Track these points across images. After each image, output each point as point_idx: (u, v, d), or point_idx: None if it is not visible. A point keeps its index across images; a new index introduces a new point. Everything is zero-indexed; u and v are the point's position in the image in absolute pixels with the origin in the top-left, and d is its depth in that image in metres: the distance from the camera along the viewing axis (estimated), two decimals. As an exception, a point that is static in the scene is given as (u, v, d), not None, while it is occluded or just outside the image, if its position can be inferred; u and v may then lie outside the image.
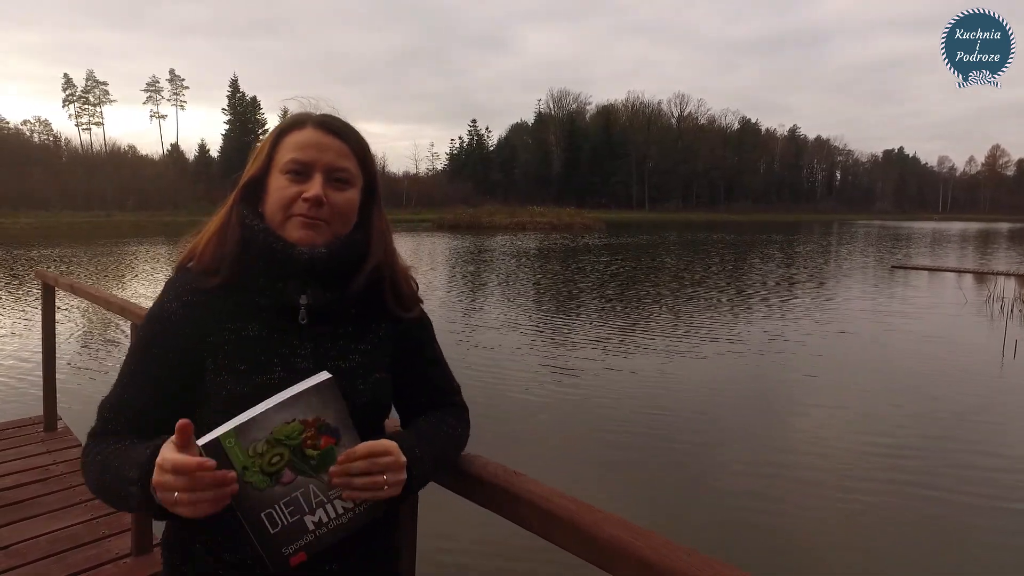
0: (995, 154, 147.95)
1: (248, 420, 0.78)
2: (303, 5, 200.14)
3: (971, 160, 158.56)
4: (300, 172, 0.92)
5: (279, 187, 0.93)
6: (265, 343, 0.92)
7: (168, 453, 0.74)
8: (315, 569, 0.92)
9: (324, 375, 0.83)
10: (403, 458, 0.87)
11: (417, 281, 1.10)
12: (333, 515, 0.84)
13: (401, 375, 1.05)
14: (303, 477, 0.82)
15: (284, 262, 0.91)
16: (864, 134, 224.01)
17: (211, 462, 0.74)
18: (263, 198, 0.95)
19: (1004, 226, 76.40)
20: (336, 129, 0.95)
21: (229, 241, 0.93)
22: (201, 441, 0.76)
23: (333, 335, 0.97)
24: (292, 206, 0.92)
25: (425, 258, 22.98)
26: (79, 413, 5.52)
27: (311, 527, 0.83)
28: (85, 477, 0.90)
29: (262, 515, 0.80)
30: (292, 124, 0.95)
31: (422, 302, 1.10)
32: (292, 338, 0.93)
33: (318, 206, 0.91)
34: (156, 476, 0.75)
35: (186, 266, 0.97)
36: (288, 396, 0.80)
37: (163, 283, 0.99)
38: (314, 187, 0.91)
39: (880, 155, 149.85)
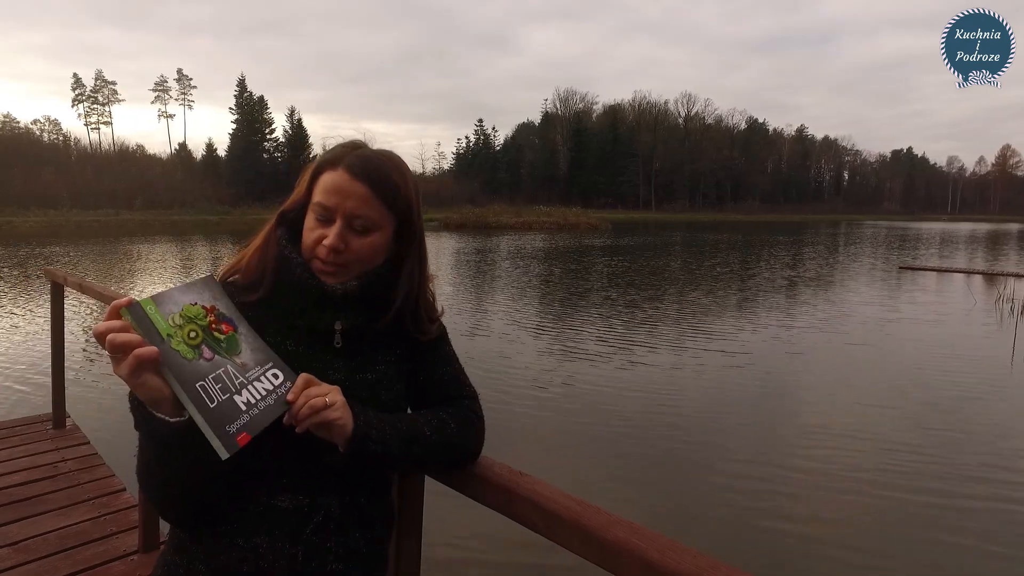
0: (1006, 154, 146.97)
1: (161, 292, 0.86)
2: (307, 5, 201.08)
3: (981, 160, 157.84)
4: (325, 217, 0.97)
5: (309, 227, 0.99)
6: (301, 358, 0.97)
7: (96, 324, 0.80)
8: (319, 569, 0.93)
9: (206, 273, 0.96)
10: (339, 393, 0.91)
11: (435, 293, 1.15)
12: (258, 396, 0.88)
13: (412, 379, 1.09)
14: (220, 357, 0.87)
15: (319, 296, 0.97)
16: (872, 134, 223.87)
17: (119, 323, 0.78)
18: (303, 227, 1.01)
19: (1014, 227, 75.79)
20: (364, 174, 0.96)
21: (268, 264, 0.99)
22: (121, 302, 0.80)
23: (361, 350, 1.02)
24: (316, 248, 0.97)
25: (431, 258, 22.95)
26: (87, 411, 5.58)
27: (243, 407, 0.85)
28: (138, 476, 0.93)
29: (197, 386, 0.82)
30: (328, 161, 0.99)
31: (441, 313, 1.15)
32: (326, 355, 1.00)
33: (336, 253, 0.96)
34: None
35: (228, 279, 1.03)
36: (184, 284, 0.90)
37: (169, 282, 1.02)
38: (332, 236, 0.95)
39: (888, 155, 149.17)
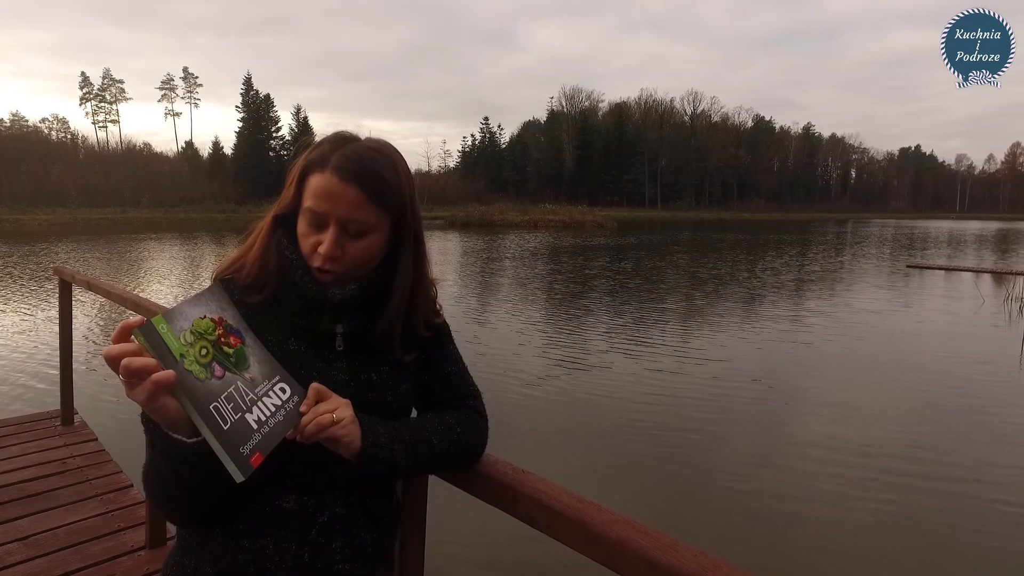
0: (1015, 152, 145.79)
1: (171, 309, 0.84)
2: (307, 3, 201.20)
3: (990, 158, 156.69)
4: (318, 223, 0.93)
5: (302, 232, 0.95)
6: (304, 357, 0.96)
7: (106, 348, 0.77)
8: (325, 569, 0.94)
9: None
10: (349, 408, 0.90)
11: (437, 291, 1.13)
12: (268, 413, 0.87)
13: (415, 377, 1.08)
14: (230, 374, 0.85)
15: (319, 301, 0.95)
16: (880, 132, 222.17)
17: (132, 347, 0.75)
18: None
19: None
20: (354, 175, 0.90)
21: (271, 266, 0.97)
22: (132, 323, 0.77)
23: (365, 350, 1.01)
24: (312, 255, 0.94)
25: (435, 257, 23.04)
26: (95, 407, 5.62)
27: (254, 425, 0.84)
28: (144, 482, 0.92)
29: (211, 407, 0.81)
30: (316, 163, 0.93)
31: (441, 314, 1.13)
32: (329, 353, 0.98)
33: (332, 261, 0.93)
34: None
35: (227, 277, 0.99)
36: (192, 296, 0.88)
37: (175, 280, 1.01)
38: (327, 243, 0.92)
39: (896, 153, 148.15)
